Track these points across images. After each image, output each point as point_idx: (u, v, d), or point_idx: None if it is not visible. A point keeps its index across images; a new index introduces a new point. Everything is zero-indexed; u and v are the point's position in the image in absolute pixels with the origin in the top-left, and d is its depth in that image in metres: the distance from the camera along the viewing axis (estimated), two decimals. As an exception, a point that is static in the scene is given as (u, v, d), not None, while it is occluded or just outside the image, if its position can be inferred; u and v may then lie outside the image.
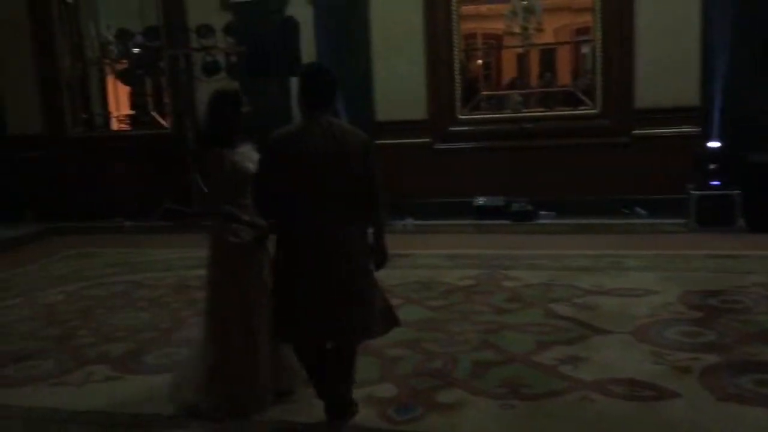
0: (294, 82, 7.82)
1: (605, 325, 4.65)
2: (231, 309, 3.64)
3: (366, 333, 3.39)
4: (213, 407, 3.58)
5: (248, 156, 3.50)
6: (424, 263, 6.54)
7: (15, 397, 4.03)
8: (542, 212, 8.02)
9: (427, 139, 8.43)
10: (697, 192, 7.16)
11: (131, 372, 4.31)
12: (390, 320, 3.46)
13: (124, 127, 10.43)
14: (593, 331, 4.56)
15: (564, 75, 10.84)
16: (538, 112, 8.70)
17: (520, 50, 8.80)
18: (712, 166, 7.20)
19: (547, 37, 9.61)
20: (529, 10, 8.14)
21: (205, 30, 8.45)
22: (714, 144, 7.34)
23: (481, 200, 8.14)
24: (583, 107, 8.34)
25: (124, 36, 8.90)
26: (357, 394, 3.70)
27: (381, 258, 3.36)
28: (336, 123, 3.29)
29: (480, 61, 10.14)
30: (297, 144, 3.18)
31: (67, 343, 4.89)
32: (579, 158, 7.97)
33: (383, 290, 3.48)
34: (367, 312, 3.31)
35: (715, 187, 7.14)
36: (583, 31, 9.98)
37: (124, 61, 9.56)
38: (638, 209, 7.77)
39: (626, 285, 5.50)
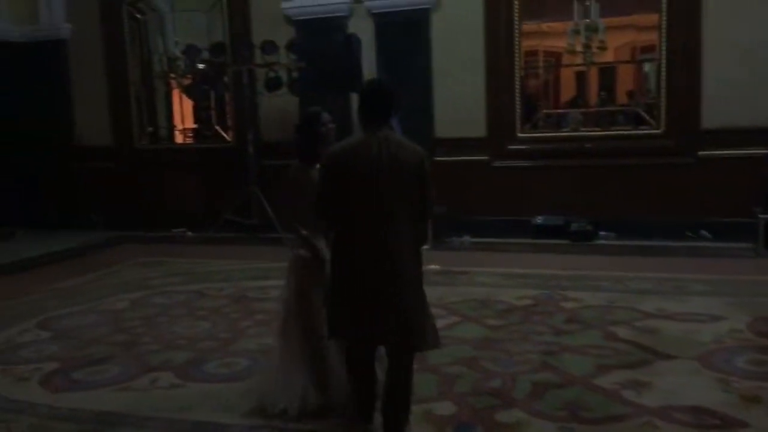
0: (355, 98, 8.01)
1: (668, 350, 4.55)
2: (293, 318, 3.79)
3: (411, 340, 3.39)
4: (281, 411, 3.71)
5: None
6: (482, 281, 6.51)
7: (85, 401, 4.15)
8: (602, 233, 7.90)
9: (486, 157, 8.40)
10: (766, 216, 6.96)
11: (193, 380, 4.41)
12: (435, 338, 3.51)
13: (188, 140, 10.71)
14: (656, 356, 4.46)
15: (626, 94, 10.66)
16: (599, 131, 8.57)
17: (581, 68, 8.72)
18: (781, 190, 7.00)
19: (609, 56, 9.49)
20: (592, 28, 8.06)
21: (269, 46, 8.62)
22: (784, 167, 7.14)
23: (539, 219, 8.07)
24: (645, 127, 8.20)
25: (191, 51, 9.14)
26: (415, 410, 3.71)
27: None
28: (392, 137, 3.39)
29: (540, 79, 10.06)
30: (354, 157, 3.32)
31: (132, 349, 5.02)
32: (641, 178, 7.84)
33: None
34: (416, 320, 3.37)
35: (785, 211, 6.94)
36: (645, 49, 9.82)
37: (190, 76, 9.83)
38: (703, 232, 7.58)
39: (690, 310, 5.36)
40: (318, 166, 3.65)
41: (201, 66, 9.48)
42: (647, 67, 9.08)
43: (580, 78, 9.08)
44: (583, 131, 8.44)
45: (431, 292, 3.63)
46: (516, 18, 8.21)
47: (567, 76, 9.59)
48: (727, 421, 3.56)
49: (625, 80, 10.97)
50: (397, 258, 3.30)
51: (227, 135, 9.72)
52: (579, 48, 8.29)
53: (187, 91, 9.94)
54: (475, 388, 4.09)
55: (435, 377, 4.21)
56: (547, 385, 4.07)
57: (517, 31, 8.24)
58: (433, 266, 6.35)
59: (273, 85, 8.74)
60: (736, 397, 3.82)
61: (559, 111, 9.15)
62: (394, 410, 3.45)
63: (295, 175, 3.79)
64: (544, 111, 9.11)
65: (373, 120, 3.37)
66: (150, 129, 10.16)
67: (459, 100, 8.29)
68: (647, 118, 8.22)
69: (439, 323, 5.17)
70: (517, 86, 8.33)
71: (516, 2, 8.18)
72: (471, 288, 6.26)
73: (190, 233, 9.29)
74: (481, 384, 4.14)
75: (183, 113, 10.70)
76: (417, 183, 3.33)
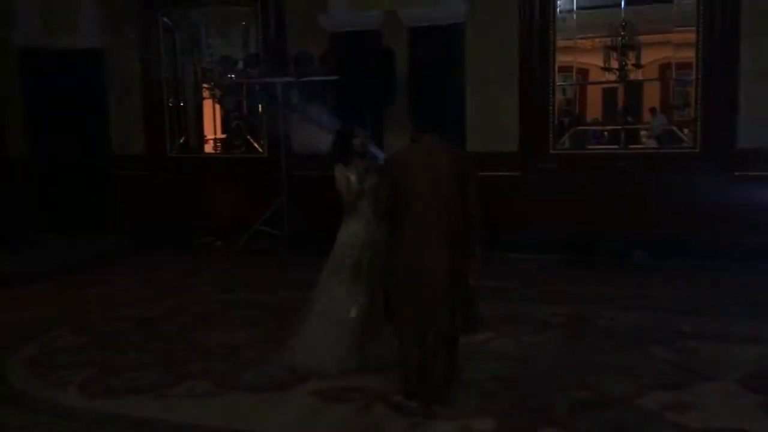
0: (389, 111, 8.06)
1: (709, 371, 4.50)
2: None
3: (457, 326, 3.93)
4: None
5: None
6: (515, 297, 6.48)
7: (123, 407, 4.19)
8: (635, 251, 7.82)
9: (518, 172, 8.35)
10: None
11: (232, 389, 4.42)
12: (475, 322, 4.13)
13: (220, 150, 10.79)
14: (697, 377, 4.41)
15: (649, 111, 10.57)
16: (632, 149, 8.52)
17: (615, 85, 8.69)
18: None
19: (644, 73, 9.44)
20: (628, 46, 8.04)
21: (303, 58, 8.67)
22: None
23: (572, 236, 8.00)
24: (679, 145, 8.12)
25: (226, 62, 9.23)
26: (455, 425, 3.73)
27: (474, 263, 4.00)
28: (436, 143, 3.94)
29: (572, 95, 10.04)
30: (408, 163, 3.92)
31: (169, 357, 5.05)
32: (674, 197, 7.75)
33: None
34: (467, 304, 3.93)
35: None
36: (680, 66, 9.78)
37: (224, 86, 9.92)
38: (731, 252, 7.44)
39: (729, 331, 5.29)
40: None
41: (232, 76, 9.58)
42: (678, 85, 9.00)
43: (615, 95, 9.05)
44: (618, 148, 8.37)
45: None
46: (551, 32, 8.18)
47: (602, 93, 9.57)
48: (774, 446, 3.52)
49: (660, 98, 10.90)
50: (446, 251, 3.77)
51: (259, 146, 9.78)
52: (614, 65, 8.26)
53: (221, 101, 10.03)
54: (514, 404, 4.06)
55: (474, 392, 4.20)
56: (588, 404, 4.04)
57: (552, 46, 8.21)
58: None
59: (306, 97, 8.78)
60: (781, 421, 3.77)
61: (593, 127, 9.11)
62: (439, 380, 3.96)
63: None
64: (579, 127, 9.08)
65: (420, 129, 4.00)
66: (182, 139, 10.26)
67: (492, 114, 8.25)
68: (682, 136, 8.14)
69: (474, 338, 5.17)
70: (551, 101, 8.29)
71: (552, 17, 8.17)
72: (504, 303, 6.21)
73: (219, 242, 9.35)
74: (521, 401, 4.11)
75: (215, 123, 10.80)
76: (463, 182, 3.85)
